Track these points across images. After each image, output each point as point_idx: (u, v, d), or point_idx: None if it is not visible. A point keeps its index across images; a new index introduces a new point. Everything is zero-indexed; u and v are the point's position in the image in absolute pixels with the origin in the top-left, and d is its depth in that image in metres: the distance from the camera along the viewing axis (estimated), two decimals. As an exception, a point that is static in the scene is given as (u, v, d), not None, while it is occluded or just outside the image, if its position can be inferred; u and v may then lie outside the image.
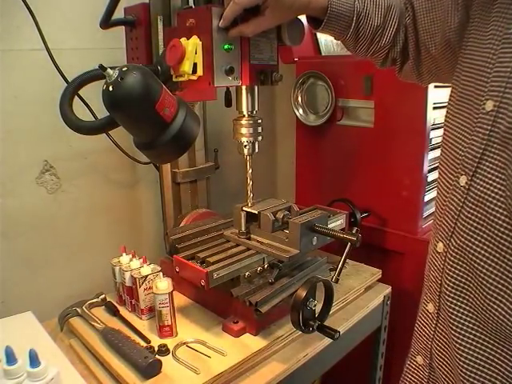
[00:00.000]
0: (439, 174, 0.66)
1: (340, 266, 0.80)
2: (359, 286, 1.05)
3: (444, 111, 1.16)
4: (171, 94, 0.73)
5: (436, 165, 1.21)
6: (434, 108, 1.11)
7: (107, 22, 0.90)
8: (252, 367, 0.81)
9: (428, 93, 1.07)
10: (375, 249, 1.21)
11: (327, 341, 0.88)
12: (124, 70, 0.67)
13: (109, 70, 0.66)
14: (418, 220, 1.17)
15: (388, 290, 1.10)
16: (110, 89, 0.66)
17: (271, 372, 0.81)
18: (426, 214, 1.20)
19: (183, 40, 0.74)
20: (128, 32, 1.01)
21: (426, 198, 1.18)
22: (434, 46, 0.71)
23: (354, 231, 0.82)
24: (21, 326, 0.88)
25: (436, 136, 1.16)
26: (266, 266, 0.92)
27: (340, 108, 1.24)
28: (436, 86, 1.08)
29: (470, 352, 0.59)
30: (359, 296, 1.06)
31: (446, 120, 0.65)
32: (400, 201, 1.17)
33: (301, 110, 1.32)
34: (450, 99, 0.65)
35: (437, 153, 1.19)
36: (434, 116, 1.12)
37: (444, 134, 0.65)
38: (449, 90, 1.13)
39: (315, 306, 0.77)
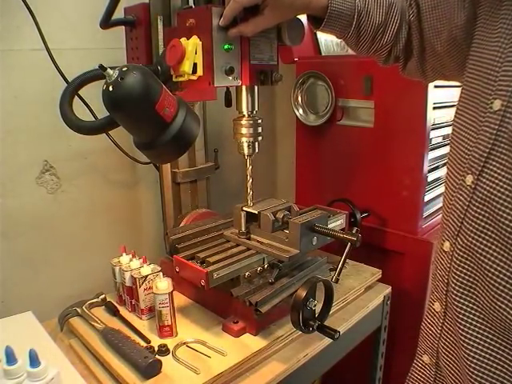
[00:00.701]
0: (447, 172, 0.66)
1: (340, 265, 0.80)
2: (359, 285, 1.05)
3: (444, 111, 1.17)
4: (171, 94, 0.73)
5: (436, 164, 1.21)
6: (434, 108, 1.11)
7: (107, 22, 0.90)
8: (252, 367, 0.81)
9: (428, 93, 1.07)
10: (375, 249, 1.21)
11: (327, 341, 0.88)
12: (124, 69, 0.67)
13: (109, 70, 0.66)
14: (418, 220, 1.17)
15: (388, 289, 1.10)
16: (110, 89, 0.66)
17: (271, 372, 0.81)
18: (426, 213, 1.20)
19: (183, 40, 0.74)
20: (128, 32, 1.01)
21: (426, 198, 1.18)
22: (440, 44, 0.70)
23: (353, 231, 0.82)
24: (21, 325, 0.88)
25: (436, 136, 1.16)
26: (266, 265, 0.92)
27: (340, 108, 1.24)
28: (436, 86, 1.08)
29: (478, 351, 0.59)
30: (359, 296, 1.06)
31: (454, 118, 0.65)
32: (400, 201, 1.17)
33: (301, 110, 1.32)
34: (459, 98, 0.65)
35: (436, 153, 1.19)
36: (434, 116, 1.12)
37: (452, 132, 0.65)
38: (449, 90, 1.14)
39: (315, 305, 0.77)
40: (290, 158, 1.48)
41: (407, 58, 0.78)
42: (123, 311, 0.96)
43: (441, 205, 0.68)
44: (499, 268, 0.55)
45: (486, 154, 0.56)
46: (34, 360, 0.65)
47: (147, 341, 0.85)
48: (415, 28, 0.73)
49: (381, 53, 0.78)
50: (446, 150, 1.21)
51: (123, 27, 1.01)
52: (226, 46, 0.75)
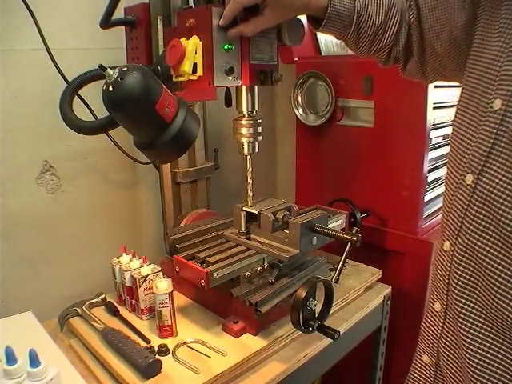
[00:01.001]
0: (447, 171, 0.66)
1: (340, 265, 0.80)
2: (359, 285, 1.05)
3: (444, 111, 1.17)
4: (171, 94, 0.73)
5: (436, 164, 1.21)
6: (434, 108, 1.11)
7: (107, 22, 0.90)
8: (252, 367, 0.81)
9: (428, 93, 1.07)
10: (375, 249, 1.21)
11: (327, 341, 0.88)
12: (124, 69, 0.67)
13: (109, 70, 0.66)
14: (418, 220, 1.17)
15: (388, 289, 1.10)
16: (110, 89, 0.66)
17: (271, 372, 0.81)
18: (426, 213, 1.20)
19: (183, 40, 0.74)
20: (128, 32, 1.01)
21: (426, 198, 1.18)
22: (440, 44, 0.70)
23: (353, 231, 0.82)
24: (21, 326, 0.88)
25: (436, 136, 1.16)
26: (266, 265, 0.92)
27: (340, 108, 1.24)
28: (436, 86, 1.08)
29: (479, 351, 0.59)
30: (359, 296, 1.06)
31: (454, 118, 0.65)
32: (400, 201, 1.17)
33: (301, 110, 1.32)
34: (459, 97, 0.65)
35: (436, 153, 1.19)
36: (434, 116, 1.12)
37: (452, 131, 0.65)
38: (449, 90, 1.14)
39: (315, 305, 0.77)
40: (289, 158, 1.48)
41: (407, 58, 0.78)
42: (123, 311, 0.96)
43: (441, 205, 0.68)
44: (500, 267, 0.55)
45: (486, 154, 0.56)
46: (34, 360, 0.65)
47: (147, 341, 0.85)
48: (415, 29, 0.73)
49: (380, 53, 0.78)
50: (446, 150, 1.21)
51: (123, 27, 1.01)
52: (225, 46, 0.75)
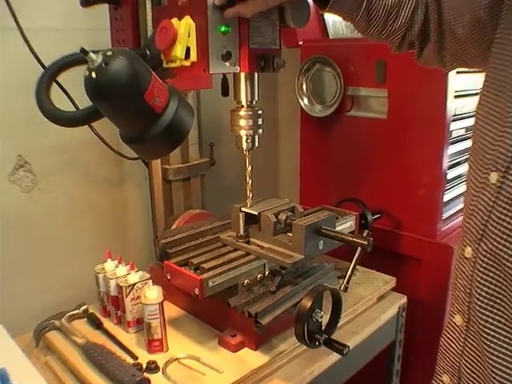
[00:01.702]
0: (468, 168, 0.66)
1: (349, 272, 0.80)
2: (371, 295, 1.06)
3: (467, 100, 1.17)
4: (161, 82, 0.73)
5: (457, 160, 1.21)
6: (456, 97, 1.11)
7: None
8: (251, 386, 0.82)
9: (449, 80, 1.07)
10: (389, 254, 1.21)
11: (335, 356, 0.88)
12: (109, 54, 0.67)
13: (91, 55, 0.66)
14: (437, 222, 1.18)
15: (403, 299, 1.10)
16: (93, 75, 0.66)
17: (273, 391, 0.81)
18: (445, 215, 1.21)
19: (175, 21, 0.74)
20: (112, 11, 1.01)
21: (446, 198, 1.19)
22: (461, 26, 0.70)
23: (364, 234, 0.83)
24: (-9, 341, 0.88)
25: (457, 128, 1.17)
26: (267, 272, 0.93)
27: (349, 97, 1.24)
28: (458, 72, 1.08)
29: (507, 370, 0.59)
30: (371, 307, 1.06)
31: (476, 109, 0.65)
32: (416, 200, 1.18)
33: (306, 100, 1.32)
34: (483, 85, 0.65)
35: (458, 147, 1.19)
36: (456, 106, 1.13)
37: (474, 124, 0.65)
38: (473, 76, 1.14)
39: (322, 317, 0.78)
40: (293, 153, 1.49)
41: (423, 43, 0.78)
42: (108, 324, 0.96)
43: (462, 205, 0.68)
44: None
45: None
46: (4, 380, 0.66)
47: (134, 357, 0.85)
48: (433, 9, 0.73)
49: (394, 38, 0.78)
50: (468, 143, 1.21)
51: (106, 5, 1.00)
52: (222, 29, 0.75)
